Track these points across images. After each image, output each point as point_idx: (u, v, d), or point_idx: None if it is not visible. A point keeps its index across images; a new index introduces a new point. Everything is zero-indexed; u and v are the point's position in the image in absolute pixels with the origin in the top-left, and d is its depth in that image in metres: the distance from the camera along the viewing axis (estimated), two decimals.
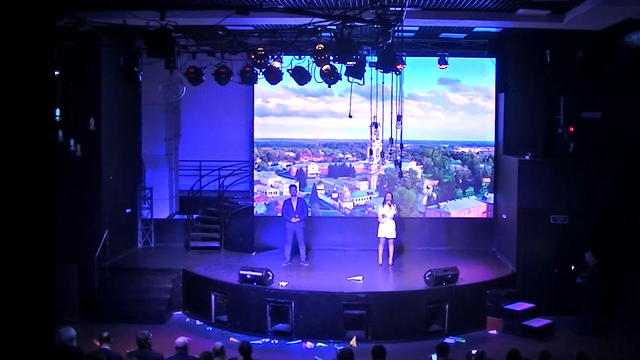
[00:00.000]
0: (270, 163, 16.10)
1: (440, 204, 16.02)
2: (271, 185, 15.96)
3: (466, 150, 16.09)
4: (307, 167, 16.14)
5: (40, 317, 2.83)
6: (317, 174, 16.14)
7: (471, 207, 16.03)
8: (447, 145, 16.10)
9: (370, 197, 16.07)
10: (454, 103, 15.99)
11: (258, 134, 15.99)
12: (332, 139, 15.99)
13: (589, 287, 12.28)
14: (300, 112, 15.89)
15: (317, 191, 16.12)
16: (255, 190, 16.07)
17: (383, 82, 12.40)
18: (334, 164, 16.19)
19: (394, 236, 14.12)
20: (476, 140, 16.04)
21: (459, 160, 16.05)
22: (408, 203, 15.84)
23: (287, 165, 16.14)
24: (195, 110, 16.81)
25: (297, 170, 16.12)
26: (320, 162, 16.14)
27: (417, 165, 16.04)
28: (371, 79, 11.78)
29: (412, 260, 14.83)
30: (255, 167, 16.05)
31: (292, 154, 16.17)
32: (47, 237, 2.83)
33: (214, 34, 12.37)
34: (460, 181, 16.01)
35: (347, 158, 16.10)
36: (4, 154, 2.70)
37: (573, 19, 11.44)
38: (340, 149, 16.13)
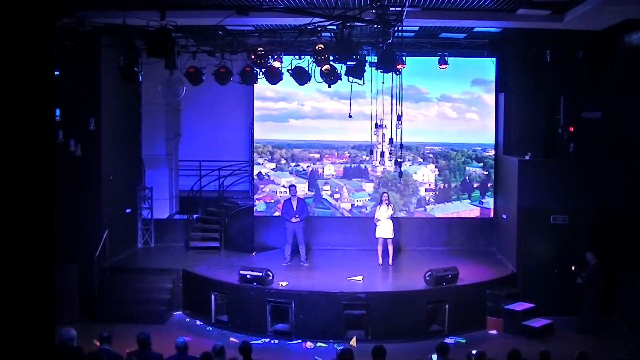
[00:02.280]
0: (293, 164, 16.19)
1: (427, 207, 16.03)
2: (283, 185, 15.98)
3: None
4: (322, 168, 16.19)
5: (41, 317, 2.83)
6: (332, 175, 16.20)
7: (461, 211, 16.01)
8: (479, 148, 15.98)
9: (370, 198, 16.09)
10: (489, 104, 15.80)
11: (290, 136, 16.16)
12: (361, 141, 15.85)
13: (589, 287, 12.28)
14: (335, 115, 15.87)
15: (322, 191, 16.16)
16: (267, 190, 16.13)
17: (382, 83, 12.40)
18: (349, 165, 16.22)
19: (392, 236, 14.12)
20: None
21: (480, 164, 15.97)
22: None
23: (308, 166, 16.22)
24: (195, 110, 16.80)
25: (311, 170, 16.19)
26: (341, 163, 16.21)
27: (435, 167, 16.03)
28: (371, 79, 11.78)
29: (412, 260, 14.83)
30: (275, 167, 16.18)
31: (317, 155, 16.24)
32: (47, 237, 2.83)
33: (214, 34, 12.36)
34: (467, 184, 15.99)
35: (370, 160, 16.06)
36: (4, 154, 2.70)
37: (573, 19, 11.44)
38: (368, 150, 16.12)
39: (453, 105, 15.96)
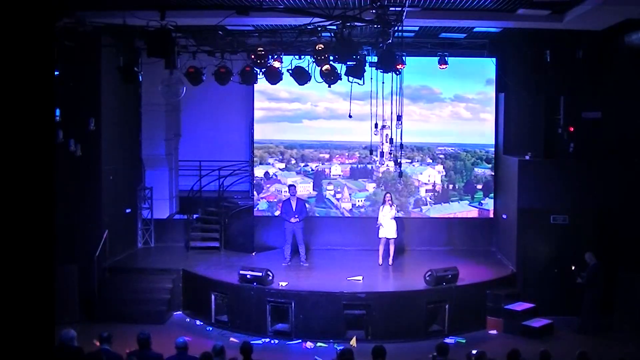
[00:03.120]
0: (302, 164, 16.20)
1: (423, 207, 16.01)
2: (287, 185, 16.00)
3: None
4: (330, 168, 16.20)
5: (41, 317, 2.83)
6: (339, 175, 16.21)
7: (457, 212, 15.98)
8: (492, 149, 15.87)
9: (365, 199, 16.09)
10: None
11: (303, 136, 16.22)
12: (372, 141, 15.83)
13: (589, 287, 12.28)
14: (347, 115, 15.79)
15: (326, 191, 16.16)
16: (272, 189, 16.15)
17: (382, 83, 12.39)
18: (356, 165, 16.21)
19: (395, 236, 14.12)
20: None
21: (490, 165, 15.88)
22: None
23: (316, 167, 16.24)
24: (195, 110, 16.80)
25: (317, 170, 16.21)
26: (349, 163, 16.20)
27: (442, 168, 16.00)
28: (371, 79, 11.78)
29: (412, 260, 14.83)
30: (285, 167, 16.24)
31: (327, 156, 16.25)
32: (47, 237, 2.84)
33: (214, 34, 12.35)
34: (471, 186, 15.95)
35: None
36: (4, 154, 2.70)
37: (573, 19, 11.44)
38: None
39: (467, 106, 15.91)
